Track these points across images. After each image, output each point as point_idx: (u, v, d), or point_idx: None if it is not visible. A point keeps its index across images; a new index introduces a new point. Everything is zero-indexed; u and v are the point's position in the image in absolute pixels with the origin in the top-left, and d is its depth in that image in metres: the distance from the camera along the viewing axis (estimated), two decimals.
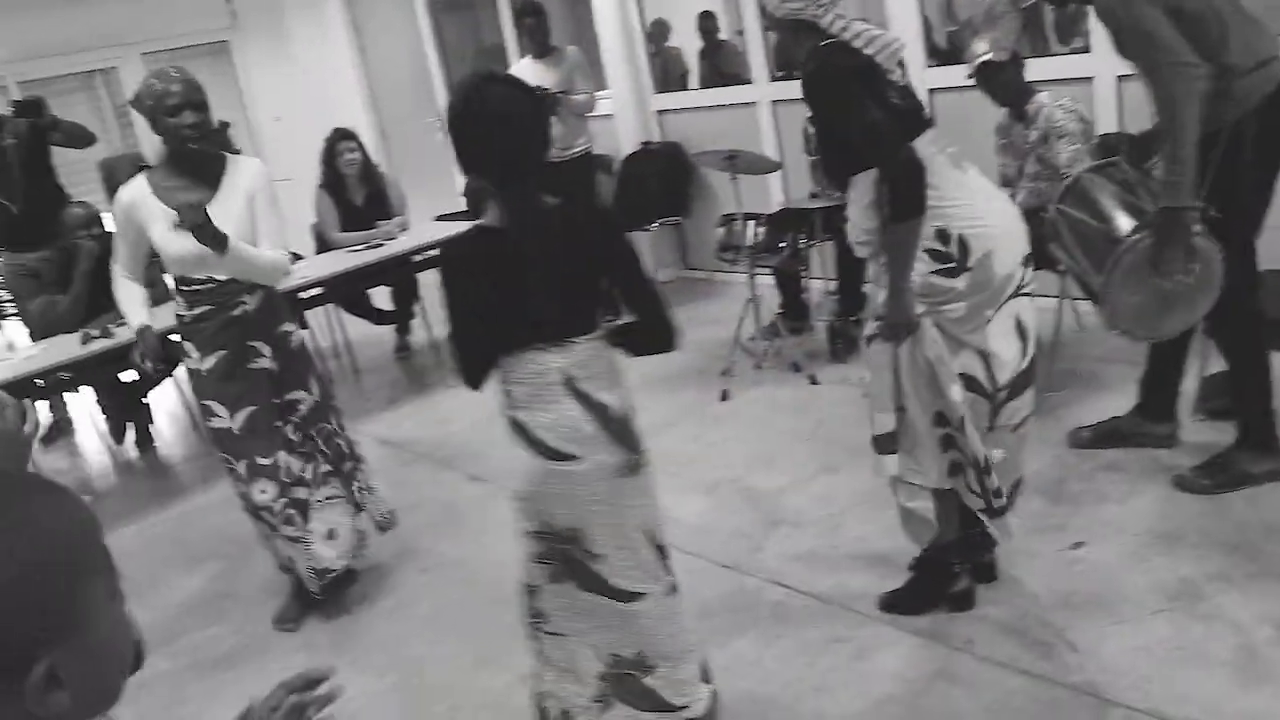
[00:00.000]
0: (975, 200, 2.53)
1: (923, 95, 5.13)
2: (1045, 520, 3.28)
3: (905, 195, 2.43)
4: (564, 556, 2.28)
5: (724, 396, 4.73)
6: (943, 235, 2.49)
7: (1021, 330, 2.61)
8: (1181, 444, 3.58)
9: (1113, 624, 2.77)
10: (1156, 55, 2.85)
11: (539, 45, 6.03)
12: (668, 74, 7.24)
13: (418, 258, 5.80)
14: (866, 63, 2.51)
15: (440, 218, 7.49)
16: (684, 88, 7.18)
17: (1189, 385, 3.69)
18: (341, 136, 6.02)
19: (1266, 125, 2.97)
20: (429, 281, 6.88)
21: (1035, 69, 4.30)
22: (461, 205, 7.87)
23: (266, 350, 3.29)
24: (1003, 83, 4.05)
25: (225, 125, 6.42)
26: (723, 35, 7.10)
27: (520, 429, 2.24)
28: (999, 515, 2.73)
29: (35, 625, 0.84)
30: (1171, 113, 2.84)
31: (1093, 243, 3.10)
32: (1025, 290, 2.62)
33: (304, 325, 6.31)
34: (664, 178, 6.57)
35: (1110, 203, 3.12)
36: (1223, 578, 2.86)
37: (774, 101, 6.12)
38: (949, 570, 2.90)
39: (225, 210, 3.12)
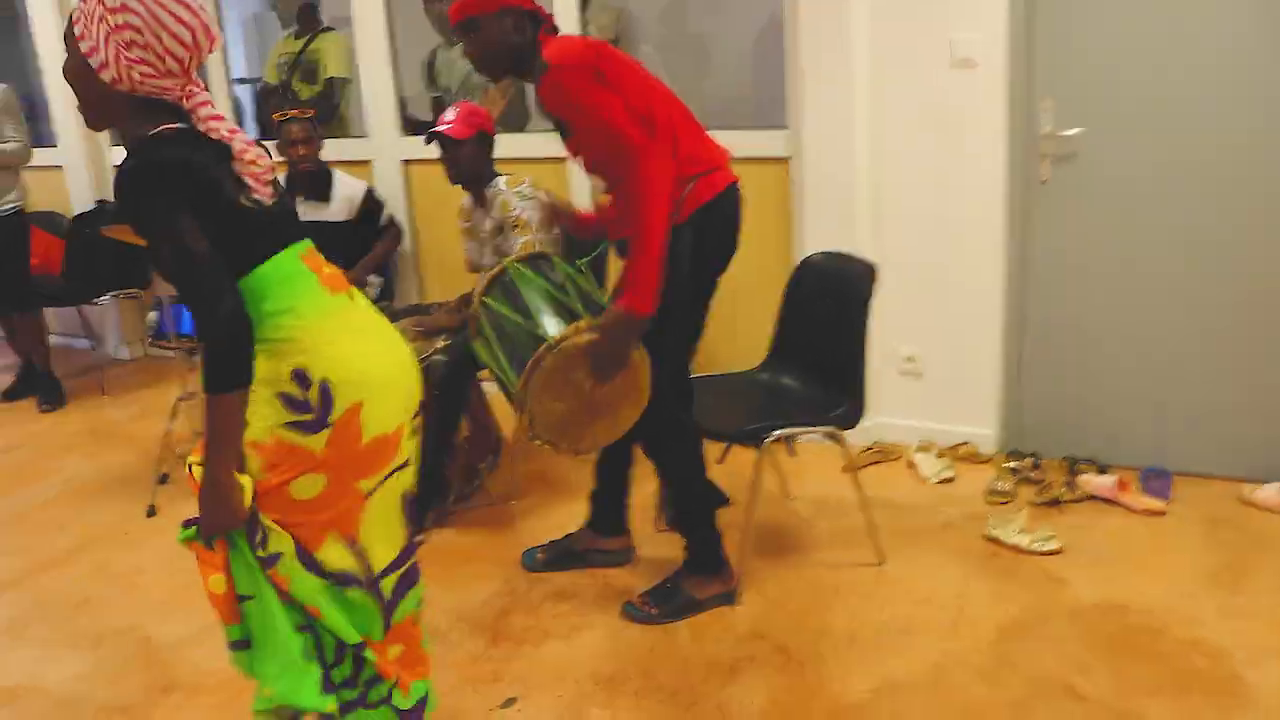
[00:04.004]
0: (349, 336, 1.96)
1: (396, 165, 4.87)
2: (481, 668, 2.83)
3: (224, 359, 1.80)
4: None
5: (151, 512, 3.94)
6: (301, 377, 1.89)
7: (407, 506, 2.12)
8: (640, 561, 3.31)
9: None
10: (623, 147, 2.55)
11: None
12: None
13: None
14: (212, 160, 1.84)
15: None
16: None
17: (648, 494, 3.44)
18: None
19: (702, 236, 2.75)
20: None
21: (510, 146, 3.99)
22: None
23: None
24: (454, 159, 3.66)
25: None
26: None
27: None
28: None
29: None
30: (641, 208, 2.54)
31: (515, 341, 2.72)
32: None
33: None
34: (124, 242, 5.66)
35: (536, 299, 2.76)
36: None
37: None
38: None
39: None
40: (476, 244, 3.83)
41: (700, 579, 3.01)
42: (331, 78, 5.12)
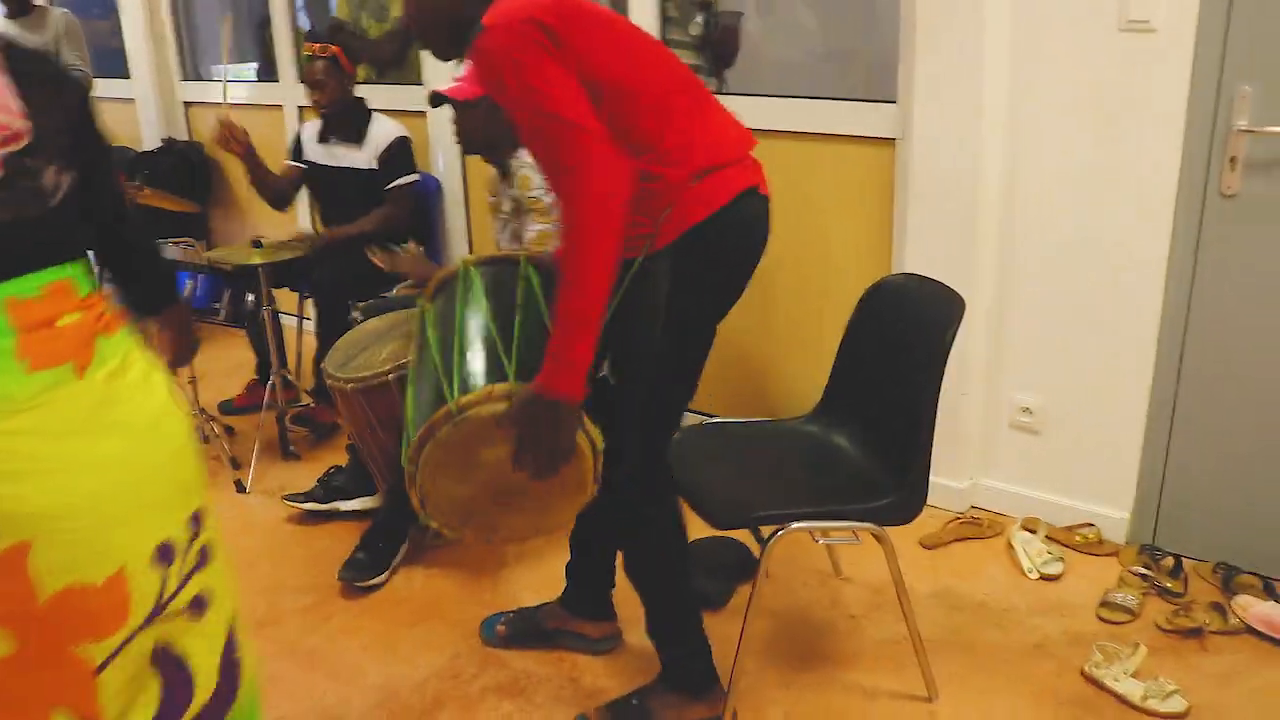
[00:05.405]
0: (35, 439, 1.32)
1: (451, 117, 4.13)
2: None
3: None
4: None
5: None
6: None
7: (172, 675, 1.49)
8: (625, 649, 2.60)
9: None
10: (557, 141, 1.80)
11: (14, 1, 4.77)
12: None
13: None
14: None
15: None
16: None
17: None
18: None
19: (688, 270, 1.93)
20: None
21: None
22: None
23: None
24: (463, 125, 2.98)
25: None
26: None
27: None
28: None
29: None
30: (576, 237, 1.79)
31: (426, 383, 2.03)
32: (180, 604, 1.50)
33: None
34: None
35: (471, 328, 2.06)
36: None
37: None
38: None
39: None
40: (499, 224, 3.16)
41: (677, 699, 2.27)
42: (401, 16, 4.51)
